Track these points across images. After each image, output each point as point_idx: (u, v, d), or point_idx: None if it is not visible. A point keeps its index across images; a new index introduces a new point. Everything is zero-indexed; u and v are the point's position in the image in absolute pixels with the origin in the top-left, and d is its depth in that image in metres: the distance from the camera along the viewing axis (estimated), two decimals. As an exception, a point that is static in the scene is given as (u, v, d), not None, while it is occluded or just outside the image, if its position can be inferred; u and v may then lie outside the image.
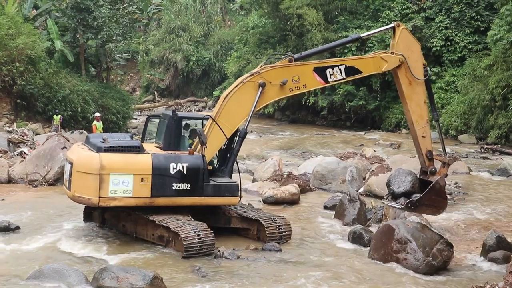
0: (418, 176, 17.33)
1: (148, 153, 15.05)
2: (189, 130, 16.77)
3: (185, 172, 14.92)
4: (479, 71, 41.66)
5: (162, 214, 14.80)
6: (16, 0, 46.65)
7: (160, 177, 14.72)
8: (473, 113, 41.36)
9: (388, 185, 17.60)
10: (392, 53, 16.69)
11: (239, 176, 16.08)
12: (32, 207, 18.91)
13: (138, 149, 14.94)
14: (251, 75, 15.91)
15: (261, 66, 16.20)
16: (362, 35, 18.11)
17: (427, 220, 16.80)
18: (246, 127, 15.96)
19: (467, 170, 27.24)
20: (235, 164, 16.11)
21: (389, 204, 17.33)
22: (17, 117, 38.66)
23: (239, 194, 15.73)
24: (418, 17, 50.00)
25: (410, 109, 16.90)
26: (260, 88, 15.72)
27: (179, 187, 14.90)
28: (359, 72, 16.66)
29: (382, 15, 51.64)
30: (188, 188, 14.98)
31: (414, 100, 16.92)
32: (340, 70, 16.36)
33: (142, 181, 14.57)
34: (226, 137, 15.56)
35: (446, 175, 17.25)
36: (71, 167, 14.92)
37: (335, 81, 16.56)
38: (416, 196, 16.71)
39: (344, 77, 16.56)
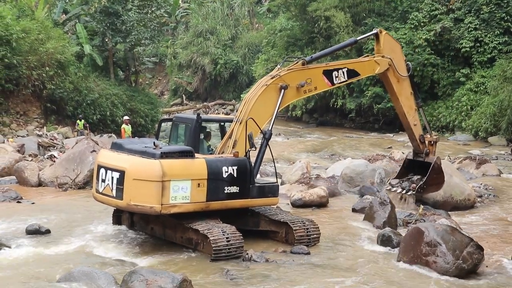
0: (412, 158, 20.15)
1: (200, 157, 14.99)
2: (205, 132, 16.80)
3: (235, 175, 15.00)
4: (509, 72, 41.32)
5: (191, 217, 14.82)
6: (46, 5, 47.17)
7: (214, 181, 14.69)
8: (503, 115, 40.99)
9: None
10: (382, 56, 18.31)
11: (276, 177, 16.78)
12: (62, 210, 19.05)
13: (192, 154, 14.84)
14: (271, 78, 16.19)
15: (278, 69, 16.61)
16: (358, 38, 19.49)
17: (456, 223, 16.69)
18: (271, 129, 16.09)
19: (497, 172, 27.01)
20: (260, 166, 16.30)
21: (398, 192, 19.57)
22: (47, 121, 39.10)
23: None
24: (447, 18, 49.71)
25: (401, 103, 19.03)
26: (283, 91, 16.07)
27: (229, 190, 14.94)
28: (358, 74, 18.12)
29: (410, 17, 51.40)
30: (237, 191, 15.06)
31: (403, 95, 19.04)
32: (343, 72, 17.50)
33: (198, 186, 14.48)
34: (261, 131, 15.79)
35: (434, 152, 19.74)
36: (122, 175, 14.41)
37: (339, 83, 17.65)
38: (417, 178, 19.56)
39: (346, 79, 17.72)
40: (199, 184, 14.50)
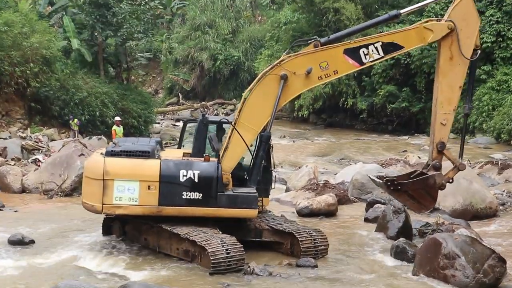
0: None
1: (157, 159, 15.11)
2: (223, 134, 16.73)
3: (196, 180, 14.88)
4: (534, 69, 41.30)
5: (187, 227, 14.83)
6: (30, -4, 47.25)
7: (168, 185, 14.76)
8: (528, 116, 40.98)
9: None
10: (438, 20, 15.42)
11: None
12: (48, 219, 19.08)
13: (148, 154, 15.00)
14: (271, 68, 15.35)
15: (284, 55, 15.56)
16: (402, 11, 16.09)
17: (477, 234, 16.67)
18: (269, 129, 15.58)
19: (521, 178, 26.96)
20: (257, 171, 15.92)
21: (371, 177, 17.39)
22: (31, 122, 39.11)
23: (262, 205, 15.71)
24: (467, 11, 49.55)
25: (439, 87, 15.56)
26: (282, 81, 15.12)
27: (189, 196, 14.86)
28: (400, 47, 15.52)
29: (427, 9, 51.28)
30: (200, 197, 14.91)
31: (448, 79, 15.55)
32: (376, 48, 15.34)
33: (149, 189, 14.68)
34: (246, 144, 15.24)
35: (450, 180, 15.77)
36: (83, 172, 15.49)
37: (371, 61, 15.57)
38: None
39: (383, 55, 15.49)
40: (149, 186, 14.69)
